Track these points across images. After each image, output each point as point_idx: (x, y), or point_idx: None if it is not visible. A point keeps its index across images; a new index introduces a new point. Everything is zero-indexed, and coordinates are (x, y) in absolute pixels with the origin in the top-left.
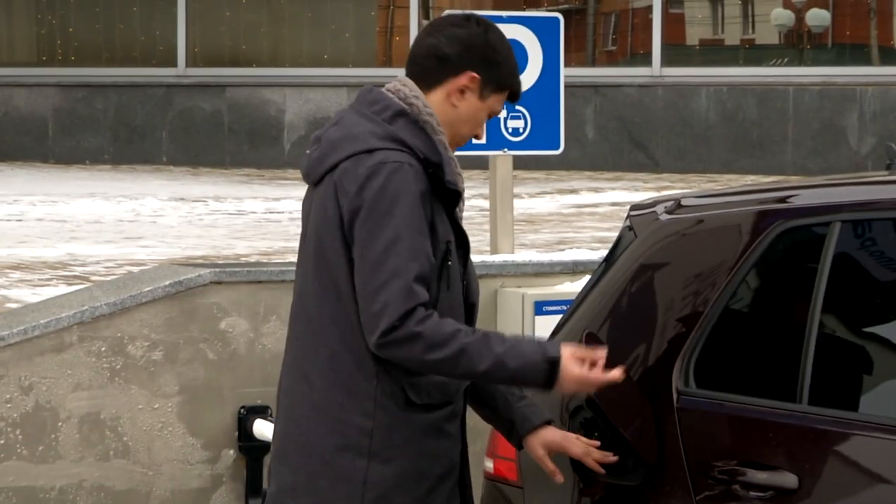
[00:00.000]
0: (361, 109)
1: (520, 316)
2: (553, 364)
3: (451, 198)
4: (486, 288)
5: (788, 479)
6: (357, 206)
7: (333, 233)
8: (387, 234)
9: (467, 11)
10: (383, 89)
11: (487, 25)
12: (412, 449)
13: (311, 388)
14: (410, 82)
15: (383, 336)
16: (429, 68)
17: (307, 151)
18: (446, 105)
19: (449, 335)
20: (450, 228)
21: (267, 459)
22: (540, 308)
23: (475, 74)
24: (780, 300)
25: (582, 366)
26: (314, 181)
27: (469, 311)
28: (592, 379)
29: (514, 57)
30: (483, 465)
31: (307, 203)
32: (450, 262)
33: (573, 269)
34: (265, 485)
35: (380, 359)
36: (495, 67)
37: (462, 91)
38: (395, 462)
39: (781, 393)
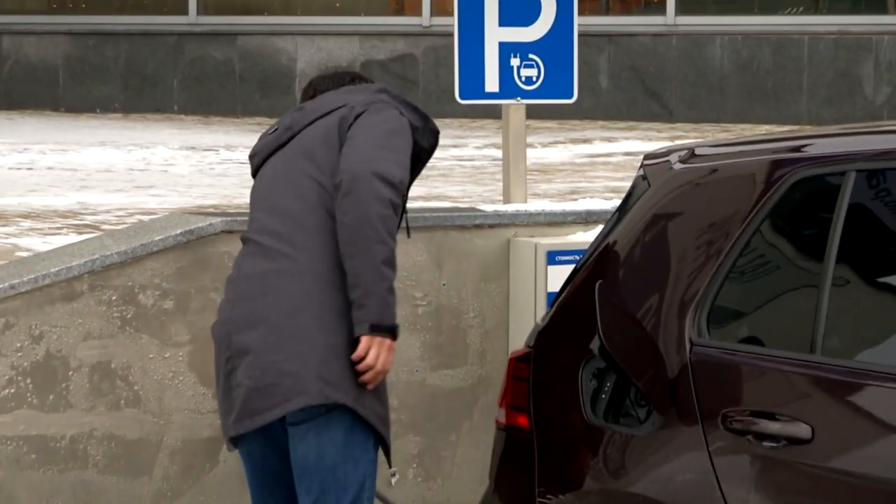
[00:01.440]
0: (338, 92)
1: (532, 266)
2: (392, 330)
3: (417, 161)
4: (498, 238)
5: (802, 430)
6: (364, 111)
7: (329, 140)
8: (388, 127)
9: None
10: None
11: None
12: None
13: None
14: None
15: (376, 179)
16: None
17: (273, 130)
18: None
19: (394, 241)
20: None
21: None
22: (552, 258)
23: None
24: (794, 250)
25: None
26: (295, 132)
27: None
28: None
29: None
30: (495, 414)
31: (267, 167)
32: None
33: (586, 218)
34: None
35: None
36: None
37: None
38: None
39: (795, 343)
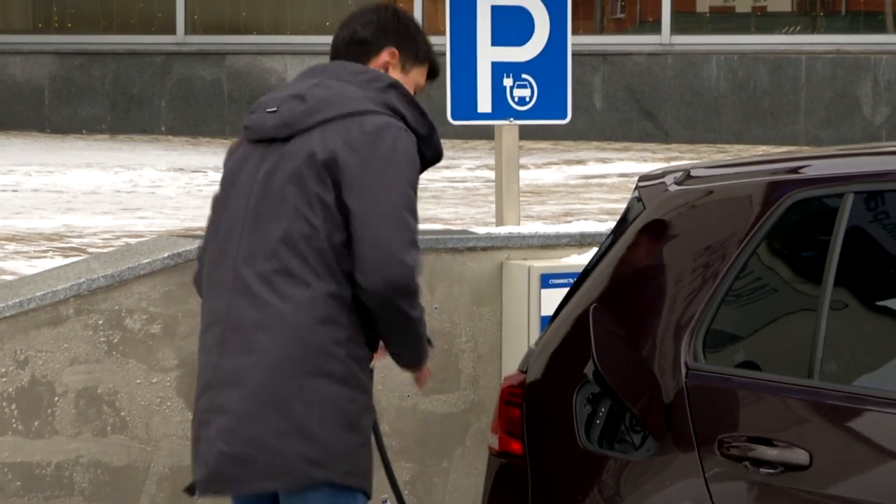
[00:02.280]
0: (345, 77)
1: (525, 289)
2: (427, 354)
3: (427, 164)
4: (491, 260)
5: (800, 456)
6: (367, 159)
7: (321, 177)
8: (398, 189)
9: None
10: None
11: (396, 9)
12: (370, 381)
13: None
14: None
15: (399, 279)
16: (353, 54)
17: (271, 109)
18: None
19: (419, 299)
20: None
21: None
22: (546, 281)
23: (394, 49)
24: (791, 273)
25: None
26: (293, 133)
27: None
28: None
29: (423, 33)
30: (488, 440)
31: (256, 163)
32: None
33: (580, 241)
34: None
35: (351, 296)
36: (410, 41)
37: (387, 67)
38: (361, 391)
39: (793, 368)
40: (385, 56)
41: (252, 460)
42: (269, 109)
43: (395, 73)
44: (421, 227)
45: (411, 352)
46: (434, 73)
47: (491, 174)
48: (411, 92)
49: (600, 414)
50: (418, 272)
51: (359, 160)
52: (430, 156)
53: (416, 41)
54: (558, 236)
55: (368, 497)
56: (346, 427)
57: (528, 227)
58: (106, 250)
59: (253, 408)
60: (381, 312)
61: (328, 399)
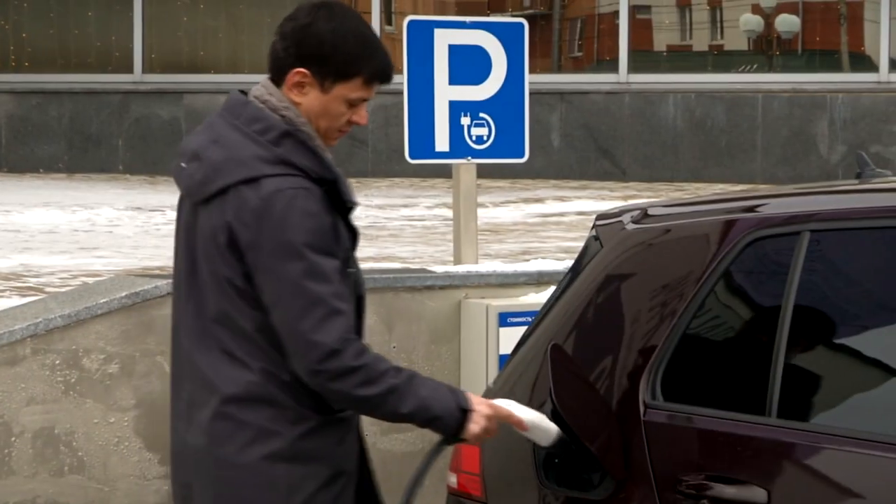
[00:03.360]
0: (241, 127)
1: (484, 328)
2: (465, 414)
3: (345, 208)
4: (449, 299)
5: (757, 494)
6: (258, 238)
7: (227, 258)
8: (299, 263)
9: (323, 1)
10: (255, 101)
11: (316, 16)
12: (330, 450)
13: (225, 401)
14: (272, 87)
15: (319, 365)
16: (272, 69)
17: (182, 164)
18: (294, 102)
19: (382, 372)
20: (346, 234)
21: None
22: (504, 320)
23: (302, 70)
24: (748, 311)
25: (486, 421)
26: (198, 201)
27: (358, 305)
28: (492, 433)
29: (352, 42)
30: (447, 480)
31: (189, 218)
32: (350, 269)
33: (538, 279)
34: None
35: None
36: (323, 59)
37: (300, 86)
38: (316, 464)
39: (750, 406)
40: (294, 78)
41: None
42: (182, 163)
43: (312, 95)
44: (379, 265)
45: (418, 421)
46: (377, 78)
47: (449, 212)
48: (340, 108)
49: (559, 453)
50: (348, 345)
51: (252, 239)
52: (346, 198)
53: (331, 58)
54: (516, 275)
55: None
56: None
57: (486, 266)
58: (63, 290)
59: (209, 494)
60: (330, 399)
61: (276, 480)
